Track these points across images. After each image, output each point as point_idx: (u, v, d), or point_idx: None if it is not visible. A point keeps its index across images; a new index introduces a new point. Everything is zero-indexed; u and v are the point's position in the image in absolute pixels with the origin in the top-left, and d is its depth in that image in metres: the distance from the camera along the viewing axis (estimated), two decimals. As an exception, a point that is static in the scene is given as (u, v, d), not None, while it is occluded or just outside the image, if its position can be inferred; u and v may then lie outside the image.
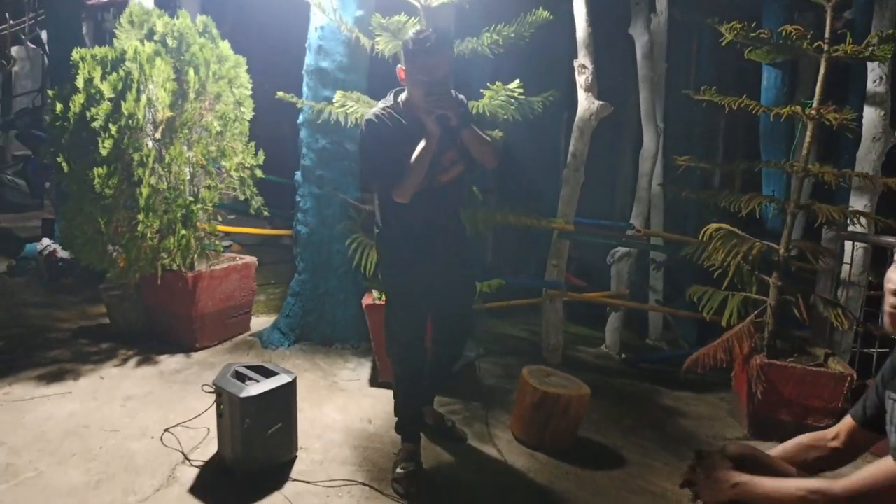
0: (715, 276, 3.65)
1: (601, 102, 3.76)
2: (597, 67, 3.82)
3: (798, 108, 3.41)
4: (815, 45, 3.34)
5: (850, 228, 3.84)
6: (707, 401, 4.00)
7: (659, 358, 5.01)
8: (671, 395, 4.05)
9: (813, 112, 3.39)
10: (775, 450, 1.62)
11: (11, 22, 10.29)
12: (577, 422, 3.15)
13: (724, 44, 3.49)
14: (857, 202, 3.81)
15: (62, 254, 5.16)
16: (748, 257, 3.47)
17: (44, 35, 10.36)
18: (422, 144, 2.39)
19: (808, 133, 3.43)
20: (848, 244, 3.91)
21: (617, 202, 7.65)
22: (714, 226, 3.57)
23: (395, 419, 2.82)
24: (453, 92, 2.46)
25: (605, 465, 3.03)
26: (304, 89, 3.82)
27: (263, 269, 5.78)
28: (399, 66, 2.45)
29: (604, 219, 5.51)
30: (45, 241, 5.35)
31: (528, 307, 5.48)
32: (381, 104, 2.54)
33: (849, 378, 3.31)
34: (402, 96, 2.52)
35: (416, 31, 2.42)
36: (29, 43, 10.41)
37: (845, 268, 3.94)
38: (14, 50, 10.42)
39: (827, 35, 3.33)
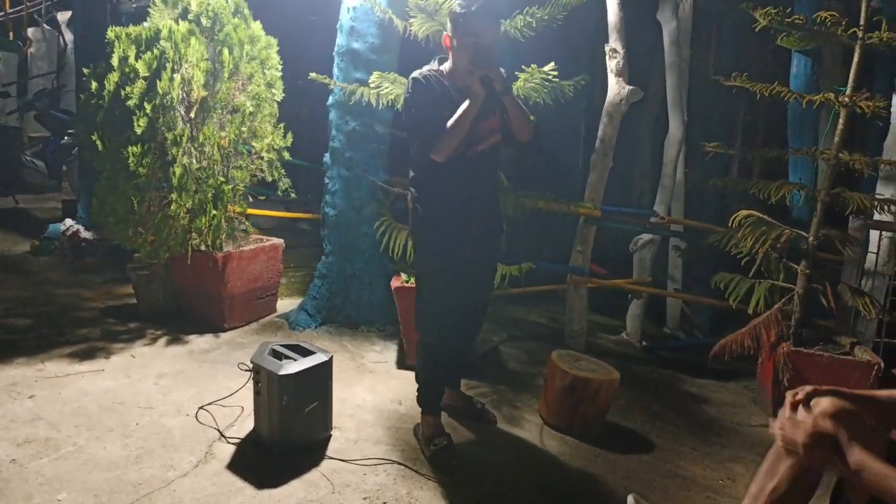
0: (743, 264, 3.64)
1: (632, 87, 3.74)
2: (627, 52, 3.80)
3: (831, 95, 3.40)
4: (850, 31, 3.32)
5: (877, 217, 3.83)
6: (730, 389, 4.01)
7: (678, 345, 5.02)
8: (694, 383, 4.06)
9: (846, 99, 3.37)
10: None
11: (28, 3, 10.28)
12: (607, 406, 3.16)
13: (757, 29, 3.46)
14: (885, 191, 3.79)
15: (85, 234, 5.20)
16: (776, 245, 3.47)
17: (59, 16, 10.37)
18: (465, 104, 2.39)
19: (841, 120, 3.41)
20: (874, 234, 3.89)
21: (634, 190, 7.63)
22: (744, 212, 3.56)
23: (417, 392, 2.84)
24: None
25: (634, 449, 3.05)
26: (335, 70, 3.81)
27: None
28: (445, 33, 2.48)
29: (620, 206, 5.48)
30: (69, 221, 5.38)
31: (546, 293, 5.49)
32: (426, 68, 2.57)
33: (876, 367, 3.31)
34: (447, 65, 2.55)
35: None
36: (45, 25, 10.40)
37: (870, 257, 3.93)
38: (30, 31, 10.41)
39: (862, 21, 3.31)
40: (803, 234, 3.54)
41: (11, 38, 10.42)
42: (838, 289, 3.74)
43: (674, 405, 3.66)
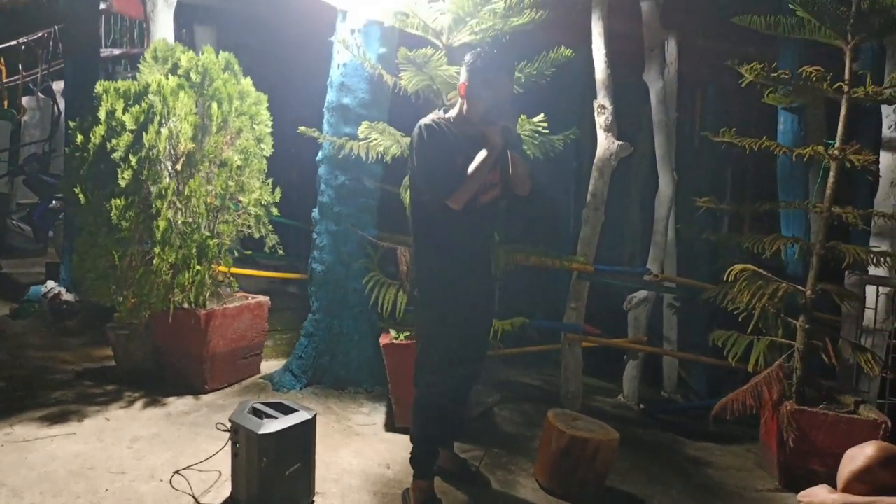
0: (741, 320, 3.56)
1: (621, 142, 3.75)
2: (616, 108, 3.82)
3: (820, 149, 3.40)
4: (836, 86, 3.35)
5: (872, 271, 3.77)
6: (733, 452, 3.85)
7: (678, 408, 4.87)
8: (695, 446, 3.91)
9: (836, 152, 3.37)
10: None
11: (24, 73, 10.45)
12: (606, 469, 3.01)
13: (743, 85, 3.50)
14: (880, 245, 3.75)
15: (67, 296, 5.07)
16: (774, 299, 3.40)
17: (55, 86, 10.52)
18: (483, 154, 2.39)
19: (832, 174, 3.41)
20: (870, 289, 3.83)
21: (626, 251, 7.60)
22: (739, 266, 3.50)
23: (410, 454, 2.68)
24: None
25: (637, 514, 2.88)
26: (325, 126, 3.80)
27: (269, 315, 5.67)
28: (461, 82, 2.47)
29: (613, 265, 5.43)
30: (50, 283, 5.26)
31: (539, 356, 5.36)
32: (432, 115, 2.57)
33: (883, 426, 3.19)
34: (453, 111, 2.55)
35: (482, 48, 2.52)
36: (39, 93, 10.53)
37: (868, 313, 3.85)
38: (24, 100, 10.54)
39: (847, 77, 3.35)
40: (800, 288, 3.47)
41: (6, 106, 10.56)
42: (839, 345, 3.65)
43: (676, 469, 3.50)
